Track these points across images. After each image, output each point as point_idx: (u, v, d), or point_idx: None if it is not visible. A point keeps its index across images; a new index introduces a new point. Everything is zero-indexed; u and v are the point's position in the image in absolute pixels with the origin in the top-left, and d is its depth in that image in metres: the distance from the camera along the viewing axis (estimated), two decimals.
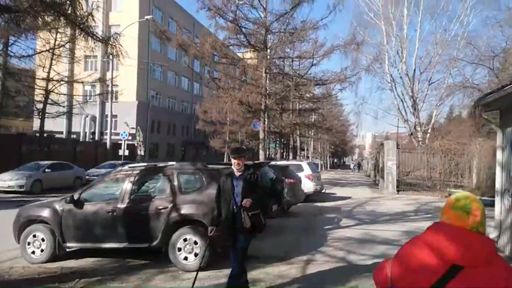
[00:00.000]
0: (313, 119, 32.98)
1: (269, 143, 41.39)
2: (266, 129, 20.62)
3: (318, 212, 11.98)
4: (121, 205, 5.97)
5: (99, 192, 6.42)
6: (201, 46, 17.40)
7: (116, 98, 43.22)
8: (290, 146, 31.93)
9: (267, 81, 20.13)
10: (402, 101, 24.84)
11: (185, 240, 5.71)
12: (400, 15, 23.96)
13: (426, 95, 24.55)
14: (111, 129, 28.62)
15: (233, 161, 4.50)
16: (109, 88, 22.58)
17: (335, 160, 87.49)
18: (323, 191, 16.29)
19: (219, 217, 4.53)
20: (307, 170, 14.37)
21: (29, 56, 17.61)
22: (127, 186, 6.12)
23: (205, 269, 5.38)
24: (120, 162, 23.90)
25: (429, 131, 25.35)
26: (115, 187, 6.34)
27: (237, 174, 4.50)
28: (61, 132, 42.26)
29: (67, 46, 18.63)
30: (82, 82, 19.39)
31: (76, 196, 6.23)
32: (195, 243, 5.70)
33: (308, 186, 13.86)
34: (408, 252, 1.60)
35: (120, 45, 7.93)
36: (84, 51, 19.51)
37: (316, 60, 17.96)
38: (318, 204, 13.91)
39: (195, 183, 6.10)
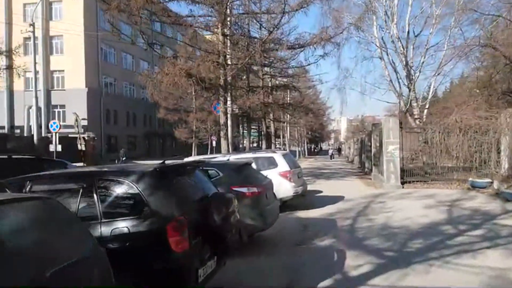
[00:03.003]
0: (288, 99, 28.29)
1: (242, 132, 36.39)
2: (228, 111, 15.92)
3: (301, 235, 7.33)
4: None
5: None
6: None
7: (62, 85, 37.75)
8: (262, 132, 27.26)
9: (227, 48, 15.34)
10: (395, 71, 20.47)
11: None
12: None
13: (423, 63, 20.24)
14: (37, 119, 23.22)
15: None
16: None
17: (313, 146, 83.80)
18: (307, 190, 11.70)
19: None
20: (282, 166, 9.61)
21: None
22: None
23: None
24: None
25: (427, 106, 21.17)
26: None
27: None
28: (3, 127, 36.64)
29: None
30: None
31: None
32: None
33: (284, 188, 9.22)
34: None
35: None
36: None
37: (288, 9, 13.07)
38: (301, 214, 9.37)
39: None
